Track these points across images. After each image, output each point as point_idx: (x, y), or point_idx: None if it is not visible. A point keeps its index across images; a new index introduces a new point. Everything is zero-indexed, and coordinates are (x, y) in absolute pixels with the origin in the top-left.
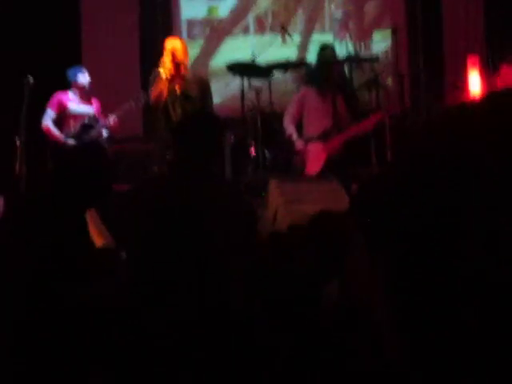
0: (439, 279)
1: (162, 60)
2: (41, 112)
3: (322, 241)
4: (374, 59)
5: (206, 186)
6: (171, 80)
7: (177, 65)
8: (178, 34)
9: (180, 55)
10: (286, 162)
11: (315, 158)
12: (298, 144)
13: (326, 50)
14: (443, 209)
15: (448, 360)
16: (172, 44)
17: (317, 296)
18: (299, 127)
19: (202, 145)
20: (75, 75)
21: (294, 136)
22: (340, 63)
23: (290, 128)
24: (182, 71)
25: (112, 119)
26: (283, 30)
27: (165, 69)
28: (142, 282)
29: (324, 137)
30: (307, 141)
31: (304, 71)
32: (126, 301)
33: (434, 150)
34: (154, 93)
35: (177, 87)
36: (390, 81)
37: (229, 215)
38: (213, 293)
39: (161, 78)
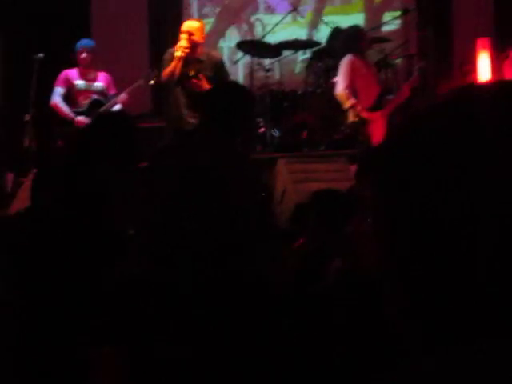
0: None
1: (178, 41)
2: (50, 88)
3: (325, 217)
4: (384, 40)
5: (226, 155)
6: (186, 61)
7: (193, 46)
8: (189, 13)
9: (197, 37)
10: (294, 141)
11: (378, 128)
12: (365, 114)
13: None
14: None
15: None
16: (190, 25)
17: (320, 272)
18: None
19: (229, 115)
20: (77, 48)
21: (359, 107)
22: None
23: (352, 99)
24: (198, 52)
25: (121, 96)
26: (293, 9)
27: (181, 48)
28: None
29: (380, 104)
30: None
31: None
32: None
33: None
34: (166, 72)
35: (191, 68)
36: (399, 61)
37: (248, 186)
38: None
39: (175, 58)
